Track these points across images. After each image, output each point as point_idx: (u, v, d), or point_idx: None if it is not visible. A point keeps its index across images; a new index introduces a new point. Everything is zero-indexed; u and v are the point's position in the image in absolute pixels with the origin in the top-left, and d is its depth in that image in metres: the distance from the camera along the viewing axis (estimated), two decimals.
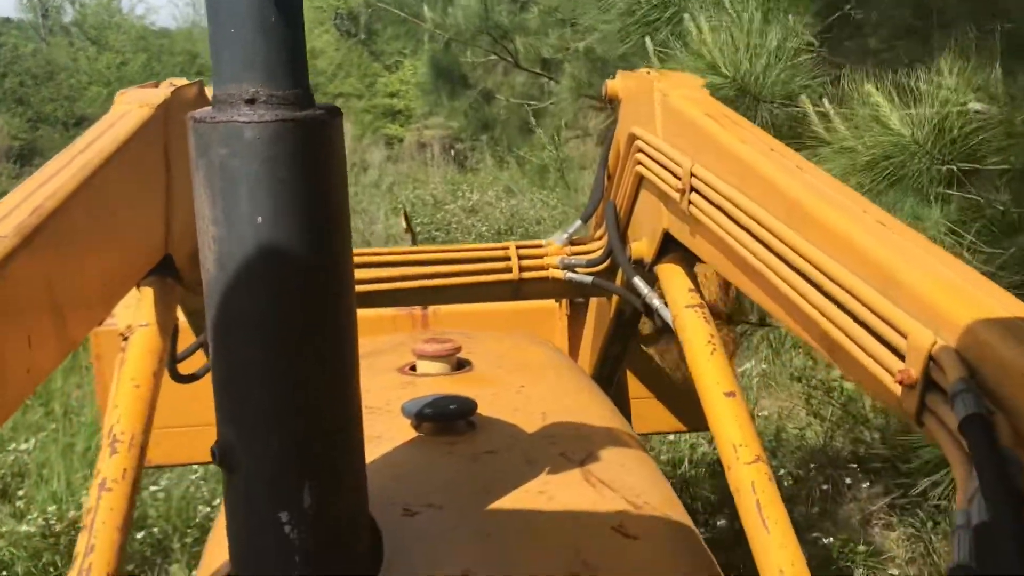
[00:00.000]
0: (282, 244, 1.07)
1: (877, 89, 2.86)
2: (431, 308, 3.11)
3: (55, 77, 22.66)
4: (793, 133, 3.21)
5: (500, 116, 11.37)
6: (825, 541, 4.62)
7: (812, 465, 5.37)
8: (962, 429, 0.94)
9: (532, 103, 9.88)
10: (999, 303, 1.07)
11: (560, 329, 3.14)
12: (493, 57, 9.63)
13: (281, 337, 1.10)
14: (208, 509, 5.10)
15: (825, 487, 5.17)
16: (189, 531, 5.01)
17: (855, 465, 5.30)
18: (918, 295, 1.13)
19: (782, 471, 5.29)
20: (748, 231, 1.56)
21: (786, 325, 1.54)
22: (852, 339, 1.25)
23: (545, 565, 1.35)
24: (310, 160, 1.08)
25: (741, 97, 3.36)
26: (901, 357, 1.13)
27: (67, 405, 6.75)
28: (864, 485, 5.13)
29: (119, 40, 25.13)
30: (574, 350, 3.09)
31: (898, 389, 1.13)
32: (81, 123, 20.24)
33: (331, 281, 1.13)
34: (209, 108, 1.08)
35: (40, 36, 25.88)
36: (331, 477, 1.17)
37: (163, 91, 1.95)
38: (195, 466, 5.17)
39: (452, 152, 17.47)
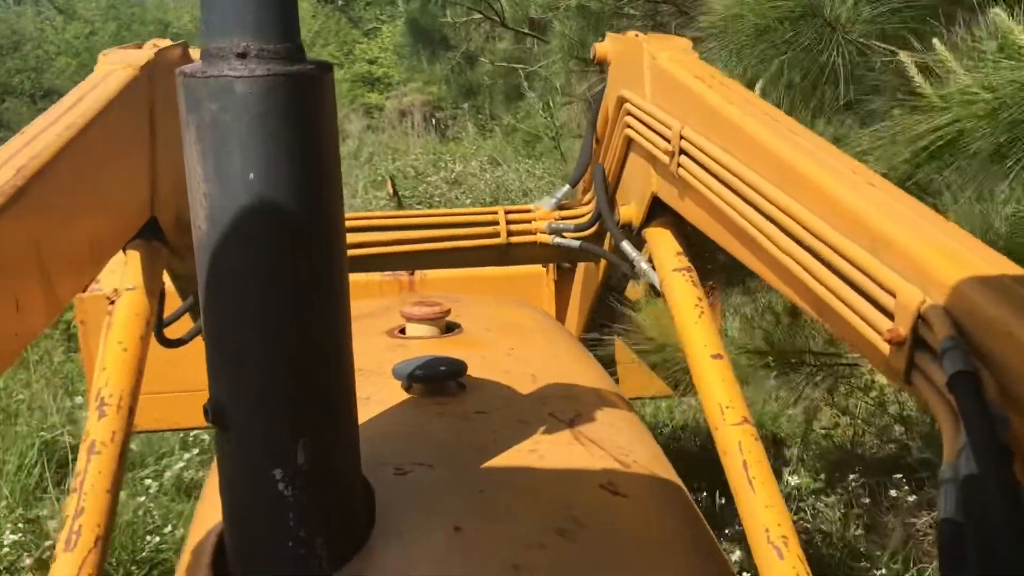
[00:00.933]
0: (274, 200, 1.07)
1: (1012, 15, 2.11)
2: (418, 273, 3.11)
3: (21, 48, 21.88)
4: (877, 83, 2.40)
5: (484, 81, 10.55)
6: None
7: (851, 476, 4.78)
8: (950, 386, 0.96)
9: (520, 66, 9.13)
10: (987, 261, 1.09)
11: (547, 293, 3.15)
12: (477, 16, 8.89)
13: (274, 293, 1.10)
14: (158, 539, 4.46)
15: (865, 500, 4.63)
16: (135, 568, 4.30)
17: (897, 475, 4.70)
18: (907, 254, 1.14)
19: (814, 485, 4.78)
20: (738, 193, 1.57)
21: (775, 286, 1.55)
22: (841, 299, 1.26)
23: (535, 521, 1.36)
24: (302, 115, 1.07)
25: (808, 19, 2.34)
26: (890, 316, 1.14)
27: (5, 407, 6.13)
28: (909, 497, 4.58)
29: (88, 9, 24.28)
30: (561, 314, 3.10)
31: (887, 348, 1.14)
32: (49, 95, 19.58)
33: (323, 236, 1.13)
34: (199, 63, 1.07)
35: (8, 5, 25.16)
36: (324, 434, 1.17)
37: (147, 52, 1.92)
38: (149, 484, 5.02)
39: (433, 120, 16.77)
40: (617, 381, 2.89)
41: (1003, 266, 1.07)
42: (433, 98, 16.26)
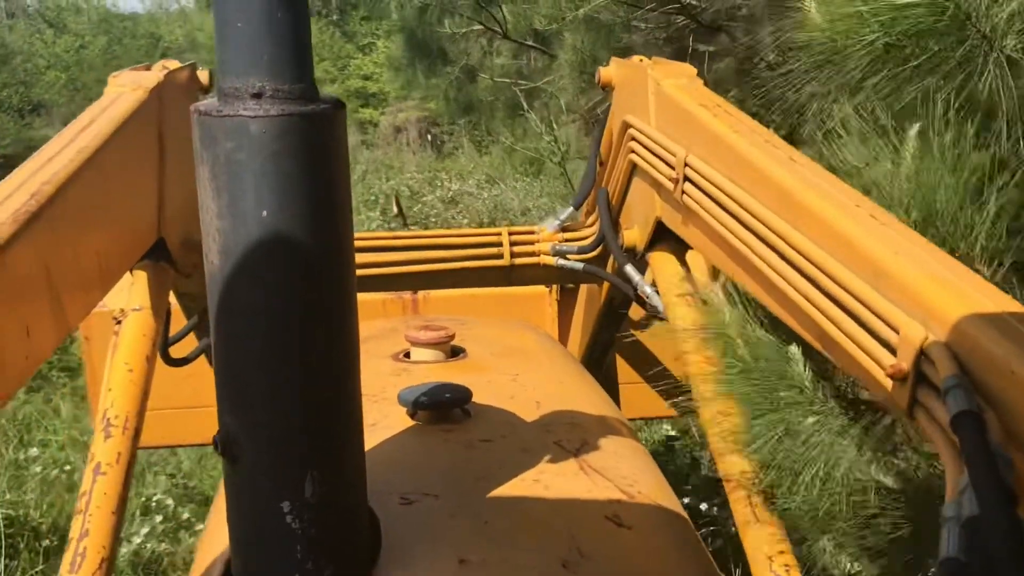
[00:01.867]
0: (287, 237, 1.08)
1: None
2: (421, 293, 3.12)
3: (10, 61, 21.27)
4: None
5: (485, 97, 9.86)
6: None
7: None
8: (953, 425, 0.96)
9: (523, 83, 8.57)
10: (988, 298, 1.09)
11: (550, 315, 3.16)
12: (477, 27, 8.25)
13: (284, 329, 1.11)
14: None
15: None
16: None
17: None
18: (908, 289, 1.15)
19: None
20: (741, 221, 1.58)
21: (778, 315, 1.55)
22: (843, 331, 1.27)
23: (541, 553, 1.37)
24: (315, 154, 1.08)
25: (951, 31, 1.65)
26: (892, 351, 1.15)
27: None
28: None
29: (78, 23, 24.07)
30: (563, 336, 3.11)
31: (889, 383, 1.15)
32: (37, 109, 19.35)
33: (334, 273, 1.14)
34: (214, 101, 1.09)
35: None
36: (332, 466, 1.18)
37: (156, 74, 1.94)
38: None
39: (429, 136, 16.29)
40: (618, 402, 2.89)
41: (1005, 303, 1.08)
42: (429, 114, 15.79)
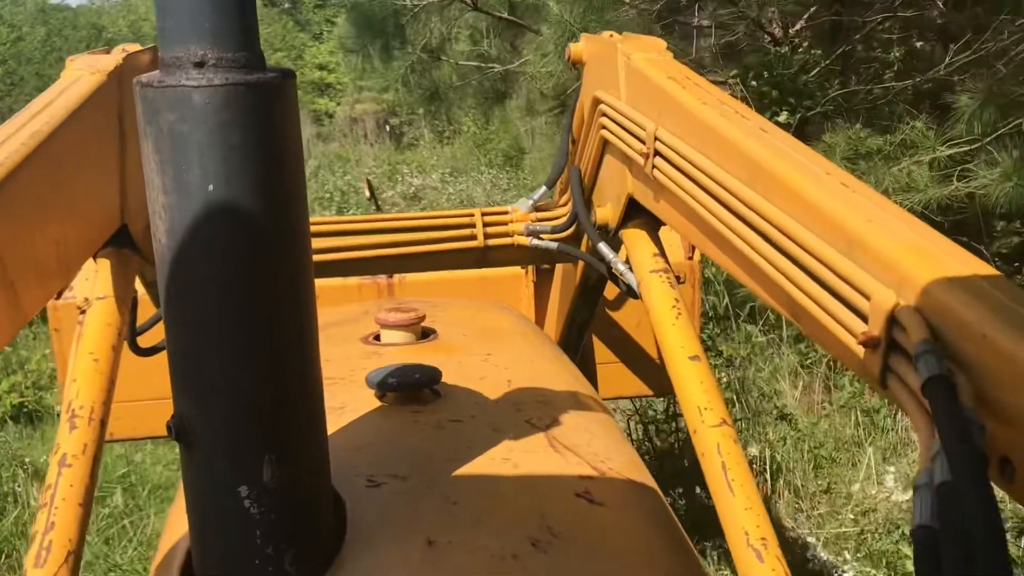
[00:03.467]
0: (235, 212, 1.04)
1: None
2: (397, 276, 3.09)
3: None
4: None
5: (451, 82, 8.38)
6: None
7: None
8: (924, 390, 0.94)
9: (494, 66, 7.41)
10: (960, 263, 1.07)
11: (526, 296, 3.14)
12: None
13: (236, 308, 1.08)
14: None
15: None
16: None
17: None
18: (880, 256, 1.13)
19: None
20: (712, 195, 1.55)
21: (750, 288, 1.53)
22: (815, 301, 1.25)
23: (510, 533, 1.34)
24: (263, 125, 1.04)
25: None
26: (864, 319, 1.13)
27: None
28: None
29: (14, 14, 23.29)
30: (540, 316, 3.09)
31: (861, 351, 1.13)
32: None
33: (286, 249, 1.10)
34: (156, 72, 1.05)
35: None
36: (291, 449, 1.15)
37: (115, 57, 1.89)
38: None
39: (387, 127, 15.19)
40: (596, 382, 2.88)
41: (977, 268, 1.06)
42: (387, 104, 14.74)
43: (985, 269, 1.06)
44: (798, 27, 7.16)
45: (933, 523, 0.85)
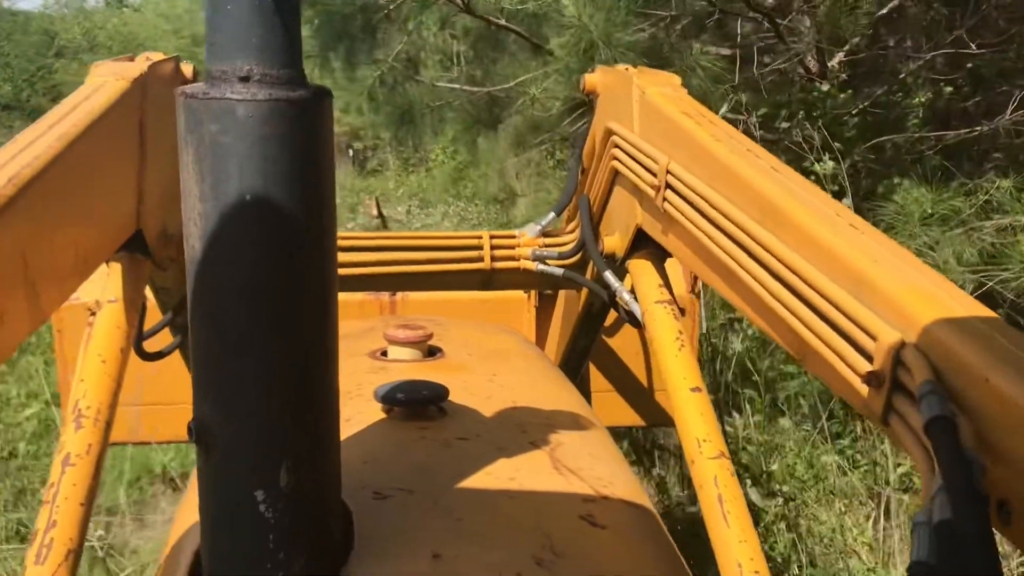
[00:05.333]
0: (270, 222, 1.08)
1: None
2: (399, 294, 3.12)
3: None
4: None
5: (429, 100, 6.50)
6: None
7: None
8: (927, 430, 0.97)
9: (477, 88, 5.87)
10: (964, 307, 1.11)
11: (528, 320, 3.17)
12: None
13: (264, 315, 1.11)
14: None
15: None
16: None
17: None
18: (887, 297, 1.16)
19: None
20: (721, 230, 1.59)
21: (756, 323, 1.57)
22: (821, 339, 1.28)
23: (515, 550, 1.36)
24: (301, 140, 1.08)
25: None
26: (869, 358, 1.16)
27: None
28: None
29: None
30: (541, 341, 3.11)
31: (865, 389, 1.16)
32: None
33: (315, 261, 1.14)
34: (201, 84, 1.08)
35: None
36: (308, 456, 1.17)
37: (139, 65, 1.93)
38: None
39: (350, 152, 13.86)
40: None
41: (980, 312, 1.10)
42: (349, 128, 12.92)
43: (988, 313, 1.10)
44: (836, 60, 6.02)
45: (931, 559, 0.87)
